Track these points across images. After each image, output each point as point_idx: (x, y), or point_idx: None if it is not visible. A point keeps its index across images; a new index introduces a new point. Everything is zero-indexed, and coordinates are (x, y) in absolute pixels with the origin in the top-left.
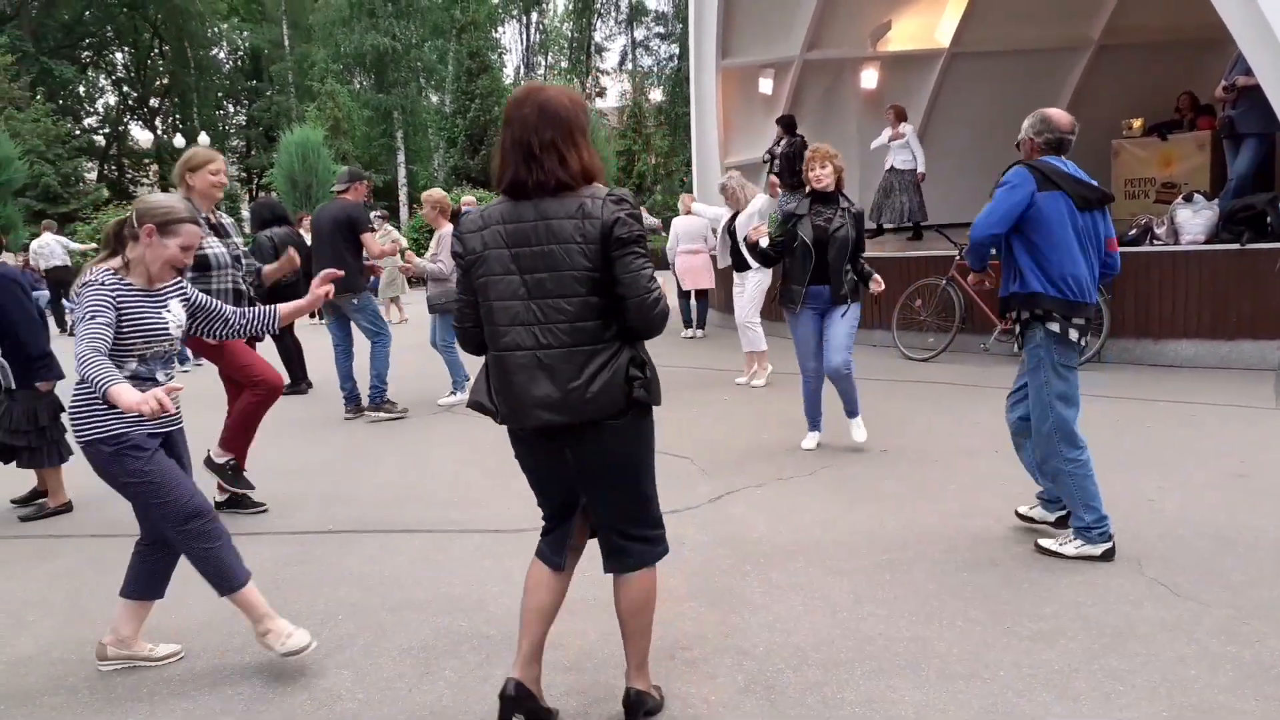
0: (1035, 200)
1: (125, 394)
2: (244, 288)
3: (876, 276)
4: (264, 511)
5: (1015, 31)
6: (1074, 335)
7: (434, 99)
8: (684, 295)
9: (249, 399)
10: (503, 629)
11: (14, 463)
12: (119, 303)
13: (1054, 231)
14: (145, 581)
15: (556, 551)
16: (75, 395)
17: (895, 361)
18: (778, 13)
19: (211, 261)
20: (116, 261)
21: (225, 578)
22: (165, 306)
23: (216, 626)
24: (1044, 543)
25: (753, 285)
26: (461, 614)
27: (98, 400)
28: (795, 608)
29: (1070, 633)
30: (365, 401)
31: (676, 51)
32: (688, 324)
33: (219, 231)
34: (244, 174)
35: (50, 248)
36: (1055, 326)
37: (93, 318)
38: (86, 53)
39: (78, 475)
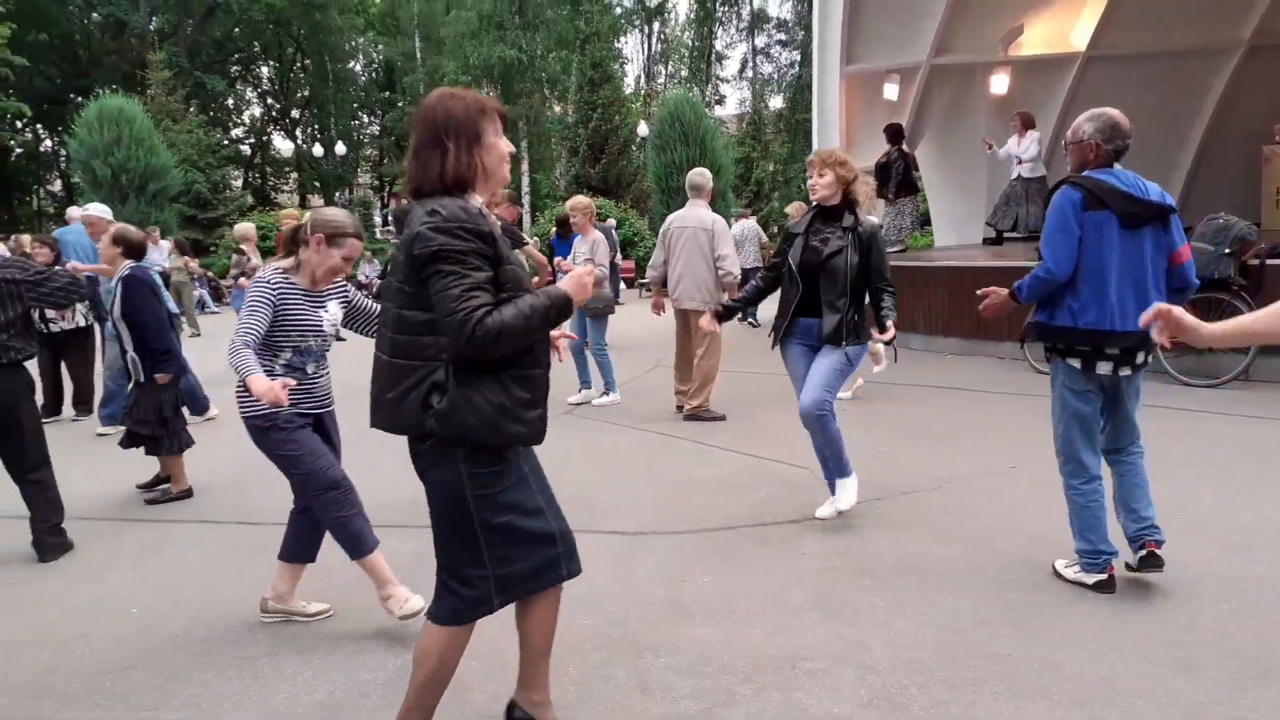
0: (1084, 224)
1: (257, 382)
2: None
3: (889, 327)
4: None
5: (1158, 33)
6: (1104, 368)
7: (557, 109)
8: None
9: None
10: (624, 630)
11: (142, 449)
12: (278, 299)
13: (1090, 256)
14: (296, 546)
15: None
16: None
17: (1024, 375)
18: (904, 17)
19: None
20: (289, 262)
21: (356, 543)
22: (323, 306)
23: (353, 616)
24: (1057, 564)
25: None
26: (584, 613)
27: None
28: (919, 624)
29: (1213, 664)
30: None
31: (798, 58)
32: None
33: None
34: (377, 182)
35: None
36: (1075, 362)
37: (251, 314)
38: (235, 67)
39: (220, 462)
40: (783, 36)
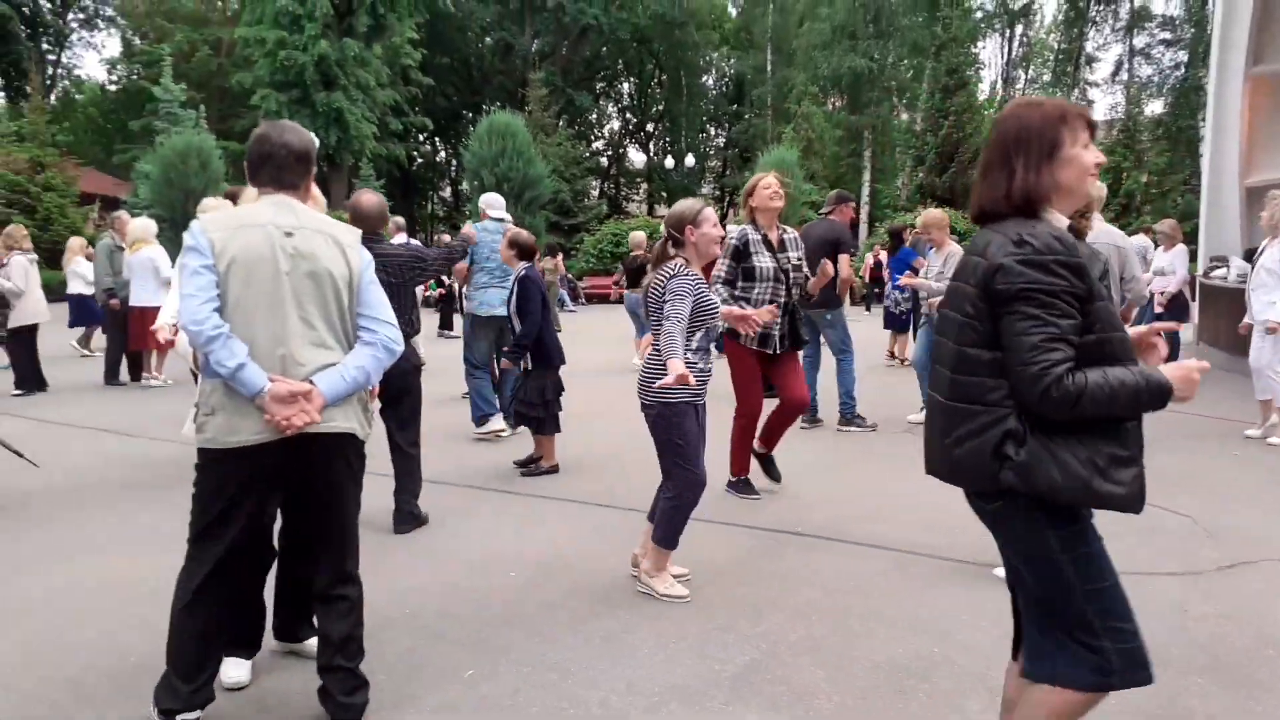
0: None
1: (677, 363)
2: (782, 300)
3: None
4: (758, 498)
5: None
6: None
7: (904, 117)
8: None
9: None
10: (974, 661)
11: (524, 429)
12: (695, 291)
13: None
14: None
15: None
16: (650, 364)
17: None
18: None
19: (757, 274)
20: (680, 260)
21: (672, 535)
22: (713, 290)
23: (702, 608)
24: None
25: None
26: (929, 638)
27: (664, 371)
28: None
29: None
30: (819, 414)
31: (1184, 59)
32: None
33: (774, 247)
34: (719, 192)
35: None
36: None
37: (680, 303)
38: (600, 84)
39: (591, 449)
40: (1167, 35)
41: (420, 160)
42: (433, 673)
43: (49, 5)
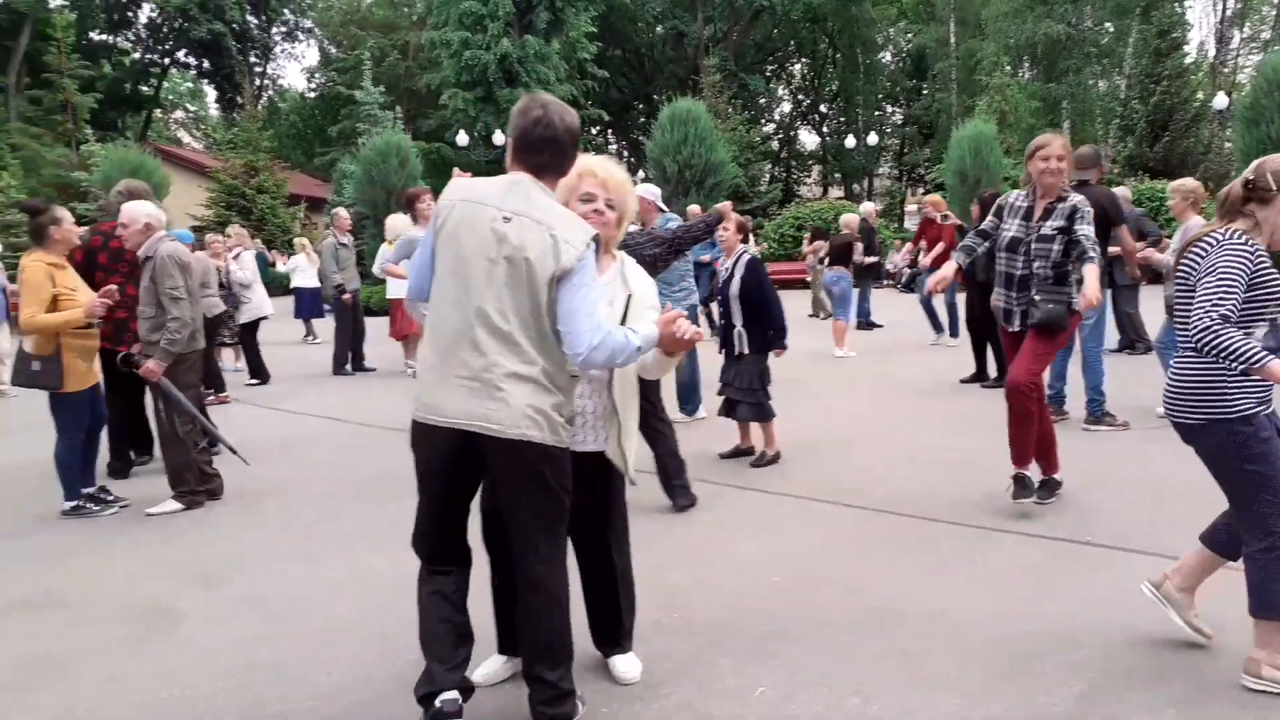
0: None
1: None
2: (1018, 272)
3: None
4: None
5: None
6: None
7: (1103, 84)
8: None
9: None
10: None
11: (732, 416)
12: (1255, 266)
13: None
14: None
15: None
16: (1191, 371)
17: None
18: None
19: (997, 239)
20: (1244, 223)
21: (1268, 598)
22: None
23: (1016, 634)
24: None
25: None
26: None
27: (1226, 377)
28: None
29: None
30: (1068, 408)
31: None
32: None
33: (1031, 215)
34: (896, 171)
35: None
36: None
37: (1230, 286)
38: (771, 66)
39: (810, 439)
40: None
41: (594, 153)
42: (721, 689)
43: (255, 21)
